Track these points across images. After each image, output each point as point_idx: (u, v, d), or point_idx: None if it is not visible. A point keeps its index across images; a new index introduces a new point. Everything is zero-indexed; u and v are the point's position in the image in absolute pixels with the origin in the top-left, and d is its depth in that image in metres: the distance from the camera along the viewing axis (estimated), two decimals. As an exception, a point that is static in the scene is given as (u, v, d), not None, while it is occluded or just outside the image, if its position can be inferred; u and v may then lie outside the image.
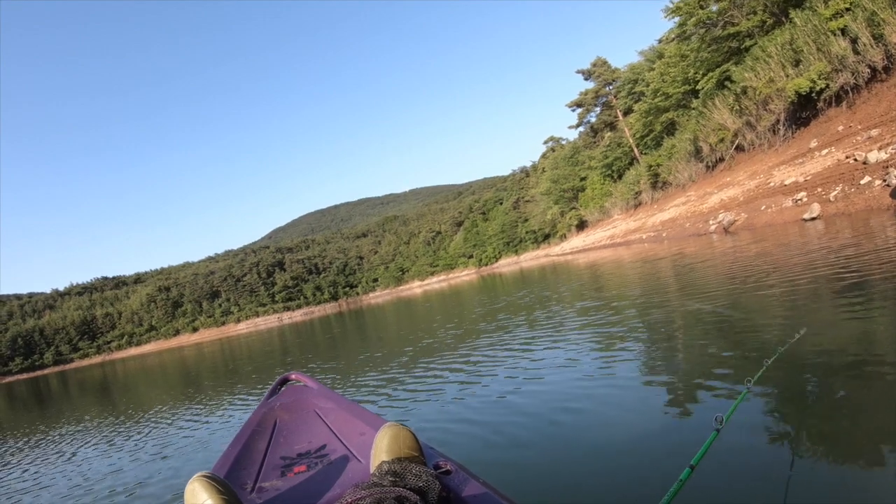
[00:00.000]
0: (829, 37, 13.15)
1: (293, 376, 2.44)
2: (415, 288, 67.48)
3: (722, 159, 19.61)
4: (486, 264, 69.01)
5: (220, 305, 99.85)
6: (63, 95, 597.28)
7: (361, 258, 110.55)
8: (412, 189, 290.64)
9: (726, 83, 18.78)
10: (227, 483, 1.17)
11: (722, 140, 18.96)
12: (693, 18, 20.91)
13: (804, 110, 14.51)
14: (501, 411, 2.89)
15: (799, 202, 10.27)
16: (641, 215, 26.08)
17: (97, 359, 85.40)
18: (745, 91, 16.98)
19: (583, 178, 43.12)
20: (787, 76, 14.69)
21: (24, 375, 79.28)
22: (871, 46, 12.03)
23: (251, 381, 7.68)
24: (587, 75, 40.99)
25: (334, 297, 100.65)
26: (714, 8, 20.27)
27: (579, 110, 44.23)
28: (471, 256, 75.36)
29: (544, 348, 4.34)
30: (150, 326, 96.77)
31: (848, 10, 12.90)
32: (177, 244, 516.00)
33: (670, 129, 28.28)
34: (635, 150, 34.62)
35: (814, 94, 13.59)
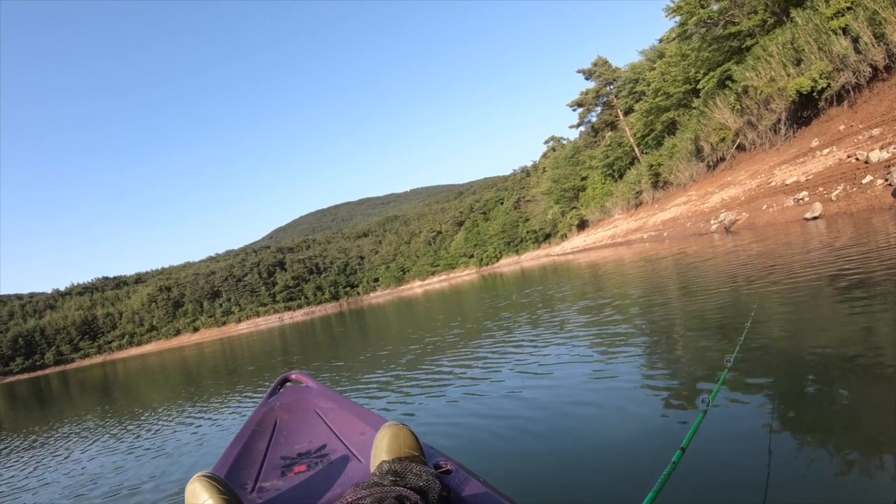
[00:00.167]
0: (830, 36, 13.13)
1: (293, 376, 2.45)
2: (416, 288, 67.51)
3: (723, 159, 19.59)
4: (487, 264, 69.03)
5: (220, 305, 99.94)
6: (63, 95, 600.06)
7: (362, 258, 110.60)
8: (413, 189, 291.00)
9: (727, 82, 18.77)
10: (227, 483, 1.17)
11: (723, 139, 18.94)
12: (694, 18, 20.90)
13: (805, 109, 14.49)
14: (505, 409, 2.89)
15: (800, 201, 10.25)
16: (642, 215, 26.06)
17: (98, 359, 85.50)
18: (746, 90, 16.97)
19: (584, 178, 43.11)
20: (789, 75, 14.67)
21: (25, 375, 79.41)
22: (873, 45, 12.01)
23: (252, 380, 7.68)
24: (588, 75, 40.98)
25: (335, 297, 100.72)
26: (715, 7, 20.26)
27: (580, 110, 44.23)
28: (472, 256, 75.39)
29: (547, 347, 4.34)
30: (151, 326, 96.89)
31: (849, 9, 12.88)
32: (177, 244, 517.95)
33: (671, 128, 28.27)
34: (636, 149, 34.61)
35: (815, 94, 13.58)
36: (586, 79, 41.45)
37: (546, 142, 59.15)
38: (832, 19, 13.15)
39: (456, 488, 1.16)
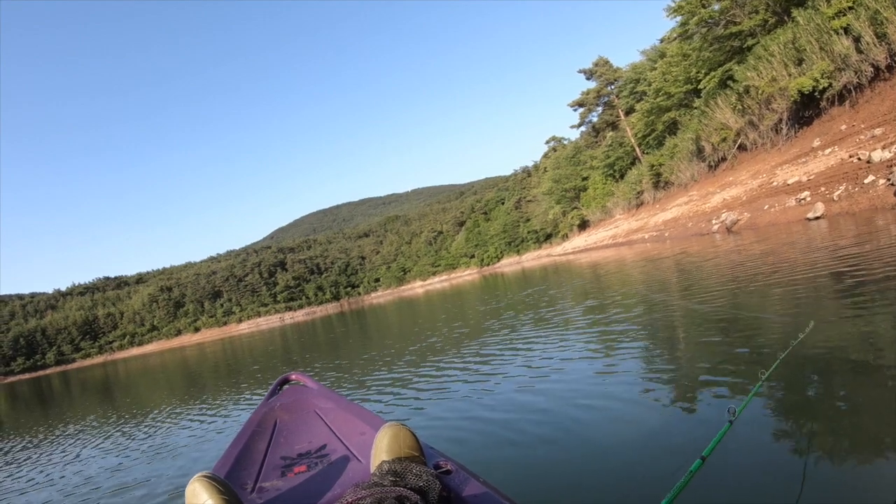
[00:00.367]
0: (831, 35, 13.11)
1: (293, 376, 2.44)
2: (417, 288, 67.55)
3: (724, 159, 19.57)
4: (488, 264, 69.04)
5: (221, 305, 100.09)
6: (63, 95, 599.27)
7: (363, 258, 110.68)
8: (414, 189, 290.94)
9: (728, 82, 18.75)
10: (227, 483, 1.17)
11: (724, 139, 18.92)
12: (695, 17, 20.89)
13: (807, 109, 14.47)
14: (510, 409, 2.88)
15: (802, 201, 10.23)
16: (643, 215, 26.04)
17: (99, 359, 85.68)
18: (747, 90, 16.95)
19: (585, 178, 43.11)
20: (790, 75, 14.64)
21: (27, 375, 79.57)
22: (874, 45, 11.98)
23: (253, 380, 7.69)
24: (589, 75, 40.98)
25: (336, 297, 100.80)
26: (716, 7, 20.24)
27: (581, 110, 44.25)
28: (473, 256, 75.43)
29: (550, 346, 4.33)
30: (152, 326, 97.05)
31: (851, 8, 12.85)
32: (178, 244, 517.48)
33: (672, 128, 28.25)
34: (637, 149, 34.59)
35: (816, 94, 13.55)
36: (587, 79, 41.51)
37: (547, 142, 59.26)
38: (833, 19, 13.12)
39: (456, 488, 1.15)
